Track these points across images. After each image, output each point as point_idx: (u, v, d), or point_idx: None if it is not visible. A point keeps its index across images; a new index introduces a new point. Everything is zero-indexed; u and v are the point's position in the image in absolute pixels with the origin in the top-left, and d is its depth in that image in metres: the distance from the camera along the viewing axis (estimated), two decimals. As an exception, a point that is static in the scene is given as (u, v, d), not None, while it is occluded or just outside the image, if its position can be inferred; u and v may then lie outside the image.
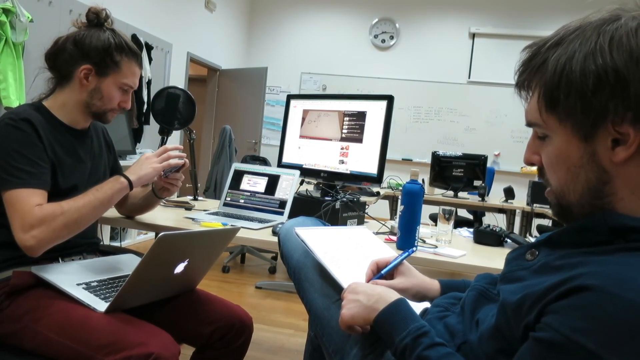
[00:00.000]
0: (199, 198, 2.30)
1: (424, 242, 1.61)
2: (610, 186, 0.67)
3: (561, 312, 0.59)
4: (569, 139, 0.68)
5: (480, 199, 3.98)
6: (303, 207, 1.79)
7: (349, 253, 1.14)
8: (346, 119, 1.87)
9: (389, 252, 1.20)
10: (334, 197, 1.80)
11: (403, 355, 0.77)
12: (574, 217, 0.72)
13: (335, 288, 1.03)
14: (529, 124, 0.75)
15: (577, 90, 0.65)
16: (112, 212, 1.65)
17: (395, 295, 0.87)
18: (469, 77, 6.87)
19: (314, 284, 1.07)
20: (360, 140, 1.82)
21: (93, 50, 1.31)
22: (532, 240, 1.81)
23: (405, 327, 0.79)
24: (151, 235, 4.44)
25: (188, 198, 2.28)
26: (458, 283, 1.04)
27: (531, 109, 0.73)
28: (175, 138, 5.80)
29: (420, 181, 1.49)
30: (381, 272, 1.02)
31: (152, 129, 4.76)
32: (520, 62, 0.74)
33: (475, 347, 0.76)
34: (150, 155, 1.44)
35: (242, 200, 1.96)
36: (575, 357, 0.57)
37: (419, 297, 1.02)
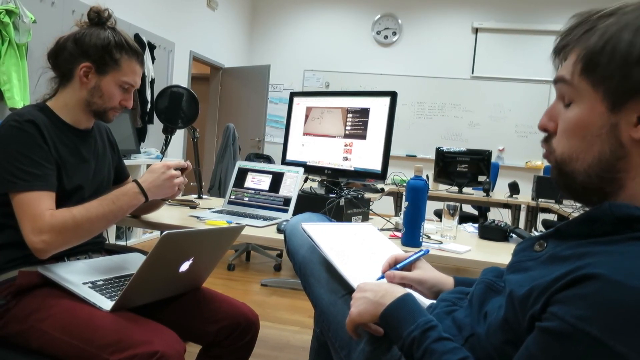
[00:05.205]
0: (204, 196, 2.30)
1: (429, 238, 1.60)
2: (624, 162, 0.66)
3: (566, 301, 0.60)
4: (595, 105, 0.67)
5: (484, 194, 3.97)
6: (307, 204, 1.78)
7: (355, 249, 1.14)
8: (349, 115, 1.87)
9: (394, 248, 1.20)
10: (338, 194, 1.79)
11: (410, 348, 0.77)
12: (577, 185, 0.71)
13: (341, 284, 1.03)
14: (557, 80, 0.72)
15: (620, 58, 0.64)
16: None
17: (402, 291, 0.87)
18: (472, 72, 6.85)
19: (320, 280, 1.07)
20: (363, 137, 1.82)
21: (92, 48, 1.31)
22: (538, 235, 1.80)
23: (413, 320, 0.79)
24: (156, 234, 4.45)
25: (192, 196, 2.28)
26: (472, 281, 1.04)
27: (565, 67, 0.71)
28: (179, 137, 5.81)
29: (424, 177, 1.49)
30: (397, 266, 1.04)
31: (156, 128, 4.77)
32: (565, 27, 0.72)
33: (482, 339, 0.76)
34: (172, 174, 1.40)
35: (247, 198, 1.96)
36: (581, 345, 0.57)
37: (435, 291, 1.03)
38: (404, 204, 1.49)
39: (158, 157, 4.44)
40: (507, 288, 0.73)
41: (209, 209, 1.94)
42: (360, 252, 1.14)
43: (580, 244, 0.67)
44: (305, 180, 2.01)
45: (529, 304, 0.65)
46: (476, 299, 0.85)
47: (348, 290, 1.01)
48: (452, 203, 1.68)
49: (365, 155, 1.81)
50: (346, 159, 1.86)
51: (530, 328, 0.65)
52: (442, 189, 4.19)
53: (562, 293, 0.61)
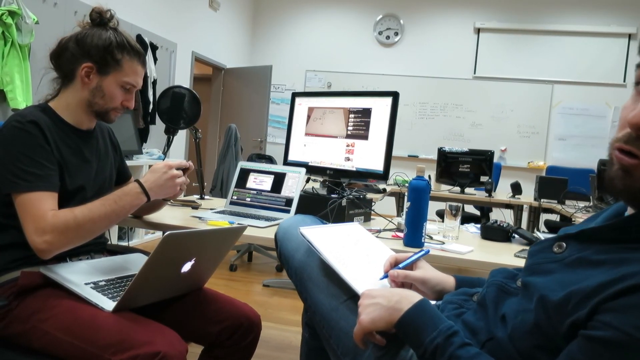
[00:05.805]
0: (206, 197, 2.30)
1: (431, 238, 1.60)
2: None
3: (620, 310, 0.58)
4: None
5: (487, 194, 3.97)
6: (309, 204, 1.78)
7: (351, 250, 1.13)
8: (351, 116, 1.87)
9: (384, 247, 1.19)
10: (340, 195, 1.79)
11: (434, 355, 0.75)
12: None
13: (342, 288, 1.01)
14: None
15: None
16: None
17: (417, 295, 0.85)
18: (475, 73, 6.84)
19: (319, 285, 1.05)
20: (365, 137, 1.82)
21: (94, 49, 1.31)
22: (540, 235, 1.79)
23: (434, 326, 0.77)
24: (158, 234, 4.45)
25: (194, 197, 2.29)
26: (473, 280, 1.04)
27: None
28: (181, 137, 5.82)
29: (426, 177, 1.49)
30: (399, 265, 1.03)
31: (158, 128, 4.77)
32: None
33: (505, 343, 0.74)
34: (174, 174, 1.40)
35: (249, 199, 1.96)
36: (638, 354, 0.56)
37: (438, 291, 1.02)
38: (406, 204, 1.49)
39: (160, 158, 4.45)
40: (533, 292, 0.71)
41: (211, 209, 1.94)
42: (356, 254, 1.13)
43: (612, 249, 0.66)
44: (307, 180, 2.01)
45: (568, 310, 0.64)
46: (490, 301, 0.83)
47: (350, 295, 0.99)
48: (454, 203, 1.68)
49: (367, 155, 1.81)
50: (348, 159, 1.86)
51: (569, 334, 0.63)
52: (444, 189, 4.19)
53: (615, 302, 0.59)
